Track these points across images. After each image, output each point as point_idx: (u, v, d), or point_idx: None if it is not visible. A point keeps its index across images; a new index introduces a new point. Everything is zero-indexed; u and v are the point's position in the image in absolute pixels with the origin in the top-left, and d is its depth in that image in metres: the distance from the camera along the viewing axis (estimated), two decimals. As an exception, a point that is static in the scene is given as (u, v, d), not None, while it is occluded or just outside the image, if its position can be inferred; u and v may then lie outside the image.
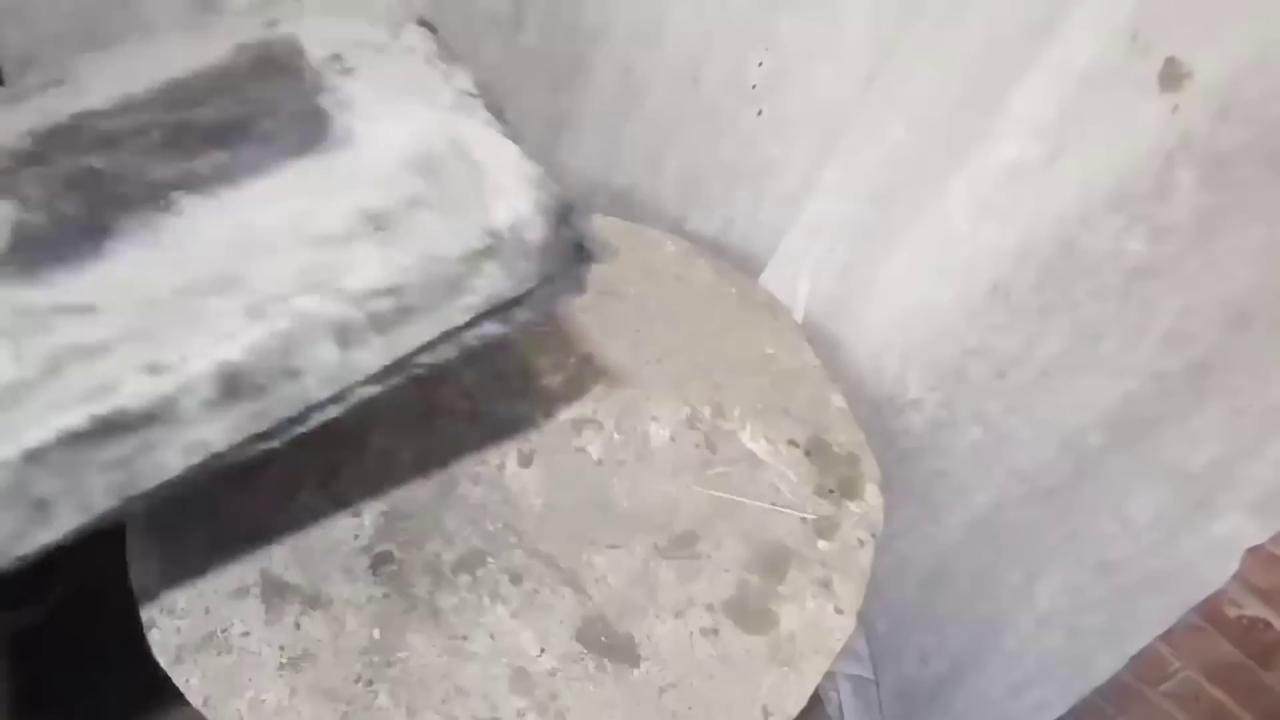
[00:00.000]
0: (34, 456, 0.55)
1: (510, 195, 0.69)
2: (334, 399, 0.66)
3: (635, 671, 0.92)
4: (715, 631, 0.96)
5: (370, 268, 0.63)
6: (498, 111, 0.81)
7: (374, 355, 0.65)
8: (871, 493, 1.13)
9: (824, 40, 1.32)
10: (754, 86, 1.46)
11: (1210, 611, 1.14)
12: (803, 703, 0.92)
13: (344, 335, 0.62)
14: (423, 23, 0.98)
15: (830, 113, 1.37)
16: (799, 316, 1.54)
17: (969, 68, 1.19)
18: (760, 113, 1.47)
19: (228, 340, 0.59)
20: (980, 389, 1.35)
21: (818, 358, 1.31)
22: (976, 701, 1.49)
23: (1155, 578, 1.18)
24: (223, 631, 0.89)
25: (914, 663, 1.63)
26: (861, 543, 0.97)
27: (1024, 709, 1.39)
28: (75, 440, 0.56)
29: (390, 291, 0.63)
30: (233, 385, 0.60)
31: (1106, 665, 1.25)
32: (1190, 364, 1.09)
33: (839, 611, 1.00)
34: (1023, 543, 1.36)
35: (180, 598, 0.90)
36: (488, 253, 0.67)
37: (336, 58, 0.87)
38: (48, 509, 0.57)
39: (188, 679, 0.85)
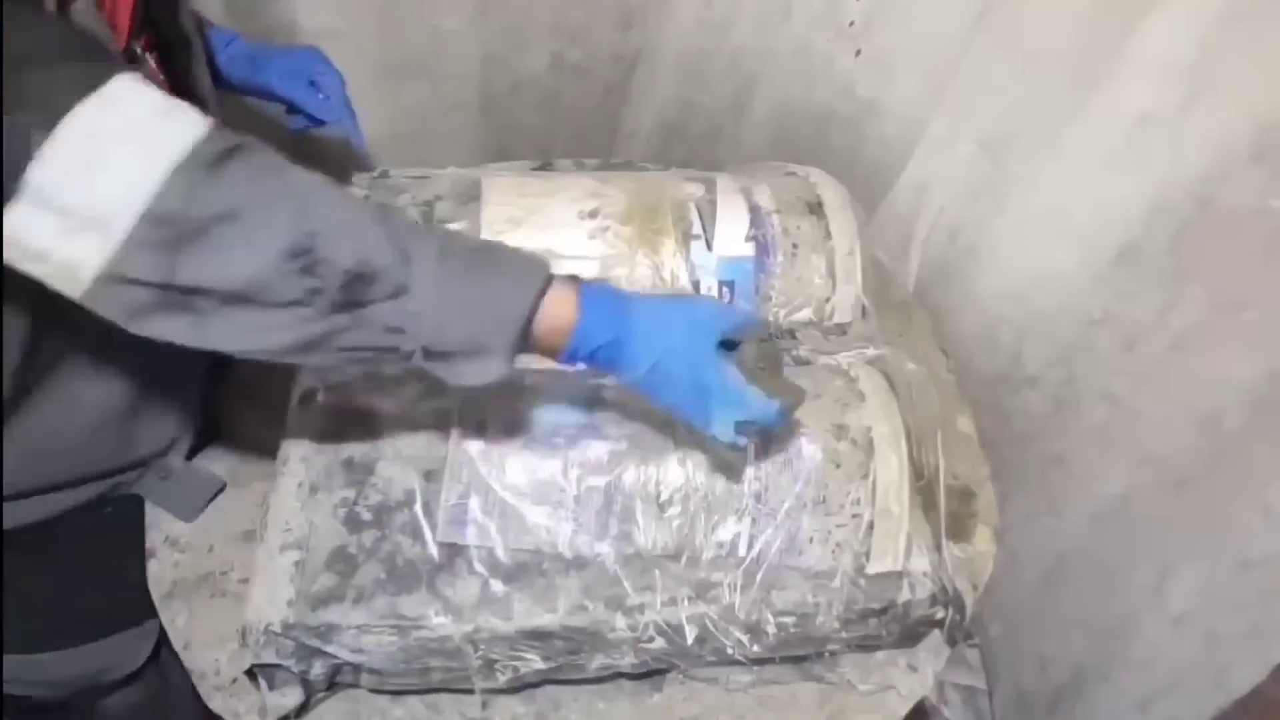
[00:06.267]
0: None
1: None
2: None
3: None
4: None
5: None
6: None
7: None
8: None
9: (930, -29, 1.34)
10: (851, 23, 1.47)
11: (1365, 614, 1.13)
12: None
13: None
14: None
15: (936, 53, 1.38)
16: (910, 283, 1.53)
17: (1093, 2, 1.18)
18: (859, 53, 1.49)
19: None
20: (1106, 364, 1.35)
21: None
22: (1101, 715, 1.50)
23: (1303, 577, 1.17)
24: (221, 574, 0.92)
25: (1031, 671, 1.65)
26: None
27: (1153, 724, 1.39)
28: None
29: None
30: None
31: (1247, 675, 1.24)
32: (1344, 337, 1.08)
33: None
34: (1153, 537, 1.35)
35: (186, 530, 0.94)
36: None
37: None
38: None
39: (174, 619, 0.89)
